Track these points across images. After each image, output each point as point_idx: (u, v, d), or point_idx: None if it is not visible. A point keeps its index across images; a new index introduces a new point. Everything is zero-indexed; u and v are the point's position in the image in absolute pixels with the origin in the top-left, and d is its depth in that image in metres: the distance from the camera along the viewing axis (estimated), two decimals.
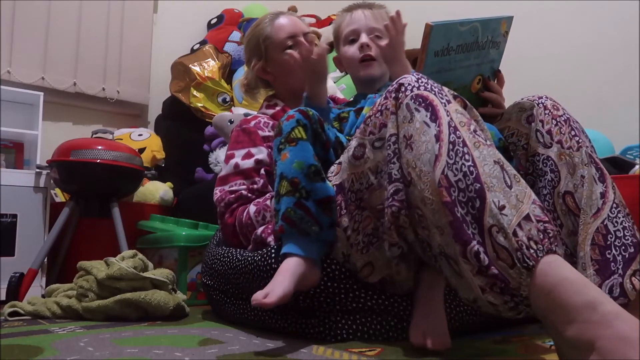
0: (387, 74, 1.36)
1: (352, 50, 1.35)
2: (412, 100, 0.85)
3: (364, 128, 0.95)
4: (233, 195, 1.24)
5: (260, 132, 1.32)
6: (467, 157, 0.77)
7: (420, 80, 0.87)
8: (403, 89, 0.88)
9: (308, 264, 0.94)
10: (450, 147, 0.78)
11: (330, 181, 1.00)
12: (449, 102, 0.84)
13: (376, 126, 0.92)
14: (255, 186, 1.25)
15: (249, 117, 1.38)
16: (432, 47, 1.02)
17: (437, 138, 0.79)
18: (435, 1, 2.57)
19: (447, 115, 0.81)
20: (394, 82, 0.91)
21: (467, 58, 1.09)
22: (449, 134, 0.79)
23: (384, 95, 0.92)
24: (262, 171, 1.26)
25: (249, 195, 1.23)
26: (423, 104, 0.83)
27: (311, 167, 0.96)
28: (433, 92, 0.85)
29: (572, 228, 0.94)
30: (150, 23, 2.89)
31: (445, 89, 0.88)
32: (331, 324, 0.98)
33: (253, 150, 1.29)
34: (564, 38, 2.18)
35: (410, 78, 0.88)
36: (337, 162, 1.03)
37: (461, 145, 0.78)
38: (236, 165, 1.27)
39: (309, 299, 1.00)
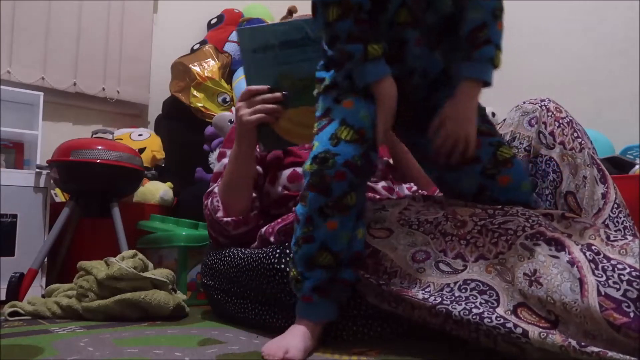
0: None
1: None
2: (528, 240, 0.77)
3: (439, 241, 0.86)
4: (208, 192, 1.28)
5: None
6: (619, 266, 0.68)
7: (529, 220, 0.80)
8: (512, 232, 0.79)
9: (322, 327, 0.91)
10: (593, 266, 0.69)
11: (372, 235, 0.93)
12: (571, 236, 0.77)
13: (452, 249, 0.84)
14: None
15: None
16: (244, 47, 1.12)
17: (572, 263, 0.70)
18: None
19: (571, 240, 0.74)
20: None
21: (303, 52, 1.11)
22: (584, 254, 0.71)
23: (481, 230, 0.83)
24: None
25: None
26: (542, 238, 0.76)
27: (351, 237, 0.90)
28: (549, 229, 0.78)
29: None
30: (150, 23, 2.89)
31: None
32: (332, 326, 0.98)
33: None
34: (564, 39, 2.18)
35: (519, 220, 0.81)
36: (386, 223, 0.93)
37: (605, 260, 0.69)
38: (225, 165, 1.29)
39: (290, 287, 1.00)
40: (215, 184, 1.30)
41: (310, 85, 1.04)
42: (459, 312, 0.76)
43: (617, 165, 1.57)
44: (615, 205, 0.93)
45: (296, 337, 0.86)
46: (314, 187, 0.87)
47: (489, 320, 0.73)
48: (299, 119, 1.11)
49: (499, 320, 0.73)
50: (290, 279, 0.93)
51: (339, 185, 0.86)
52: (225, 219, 1.20)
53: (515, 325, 0.71)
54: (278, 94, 1.10)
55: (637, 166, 1.54)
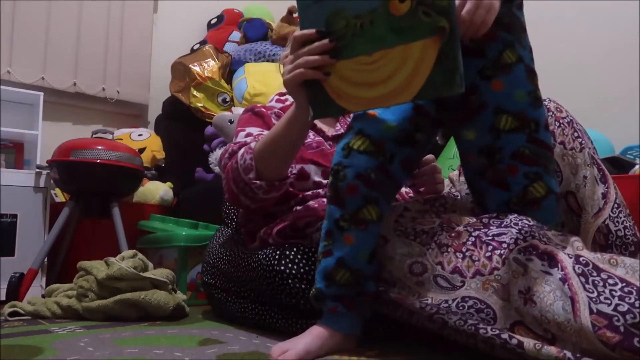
0: None
1: None
2: (521, 254, 0.76)
3: (435, 252, 0.84)
4: (237, 145, 1.14)
5: (272, 118, 1.27)
6: (610, 280, 0.66)
7: (522, 231, 0.79)
8: (505, 245, 0.78)
9: (346, 337, 0.89)
10: (583, 280, 0.68)
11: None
12: (560, 246, 0.77)
13: (450, 262, 0.82)
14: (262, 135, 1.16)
15: (258, 105, 1.34)
16: None
17: (564, 280, 0.69)
18: None
19: (564, 253, 0.73)
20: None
21: None
22: (573, 268, 0.70)
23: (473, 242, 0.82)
24: None
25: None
26: (535, 252, 0.75)
27: (372, 253, 0.88)
28: (542, 241, 0.78)
29: (573, 227, 0.95)
30: (150, 23, 2.89)
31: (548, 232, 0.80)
32: None
33: (266, 132, 1.19)
34: (564, 38, 2.18)
35: (512, 231, 0.80)
36: (382, 230, 0.91)
37: (595, 272, 0.68)
38: (249, 134, 1.18)
39: (311, 303, 1.00)
40: (244, 138, 1.16)
41: (368, 24, 0.80)
42: (455, 322, 0.77)
43: (617, 165, 1.57)
44: (616, 205, 0.93)
45: (304, 338, 0.85)
46: (330, 200, 0.89)
47: (484, 331, 0.73)
48: (351, 76, 0.83)
49: (494, 331, 0.73)
50: (311, 296, 0.92)
51: (352, 198, 0.86)
52: (257, 182, 1.04)
53: (511, 337, 0.71)
54: (325, 41, 0.84)
55: (637, 166, 1.54)
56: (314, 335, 0.86)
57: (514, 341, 0.70)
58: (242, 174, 1.05)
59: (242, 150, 1.07)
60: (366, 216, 0.86)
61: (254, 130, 1.19)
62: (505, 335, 0.71)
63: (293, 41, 0.88)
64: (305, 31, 0.85)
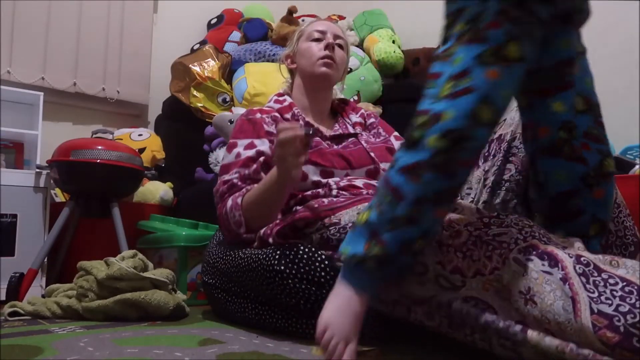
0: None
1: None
2: (521, 254, 0.75)
3: (434, 251, 0.83)
4: (226, 186, 1.23)
5: (265, 126, 1.31)
6: (611, 280, 0.67)
7: (522, 231, 0.79)
8: (505, 244, 0.78)
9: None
10: (584, 280, 0.68)
11: None
12: (557, 244, 0.76)
13: (450, 262, 0.81)
14: (247, 171, 1.23)
15: (255, 108, 1.37)
16: None
17: (565, 280, 0.69)
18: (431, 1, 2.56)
19: (564, 253, 0.72)
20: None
21: None
22: (574, 268, 0.69)
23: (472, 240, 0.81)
24: (261, 159, 1.25)
25: (239, 183, 1.22)
26: (535, 252, 0.75)
27: None
28: (543, 241, 0.77)
29: None
30: (150, 23, 2.89)
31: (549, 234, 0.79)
32: None
33: (256, 141, 1.28)
34: None
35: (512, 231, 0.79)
36: None
37: (595, 273, 0.68)
38: (238, 155, 1.26)
39: (311, 303, 1.00)
40: (231, 175, 1.24)
41: None
42: (457, 307, 0.77)
43: (617, 165, 1.57)
44: (616, 205, 0.93)
45: (349, 328, 0.83)
46: (436, 168, 0.76)
47: (490, 320, 0.74)
48: None
49: (499, 322, 0.73)
50: (370, 256, 0.80)
51: (463, 172, 0.79)
52: (247, 236, 1.18)
53: (515, 324, 0.71)
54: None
55: (637, 166, 1.54)
56: (355, 313, 0.84)
57: (518, 327, 0.71)
58: (233, 226, 1.19)
59: (230, 203, 1.19)
60: (461, 192, 0.87)
61: (243, 151, 1.27)
62: (508, 322, 0.72)
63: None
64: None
